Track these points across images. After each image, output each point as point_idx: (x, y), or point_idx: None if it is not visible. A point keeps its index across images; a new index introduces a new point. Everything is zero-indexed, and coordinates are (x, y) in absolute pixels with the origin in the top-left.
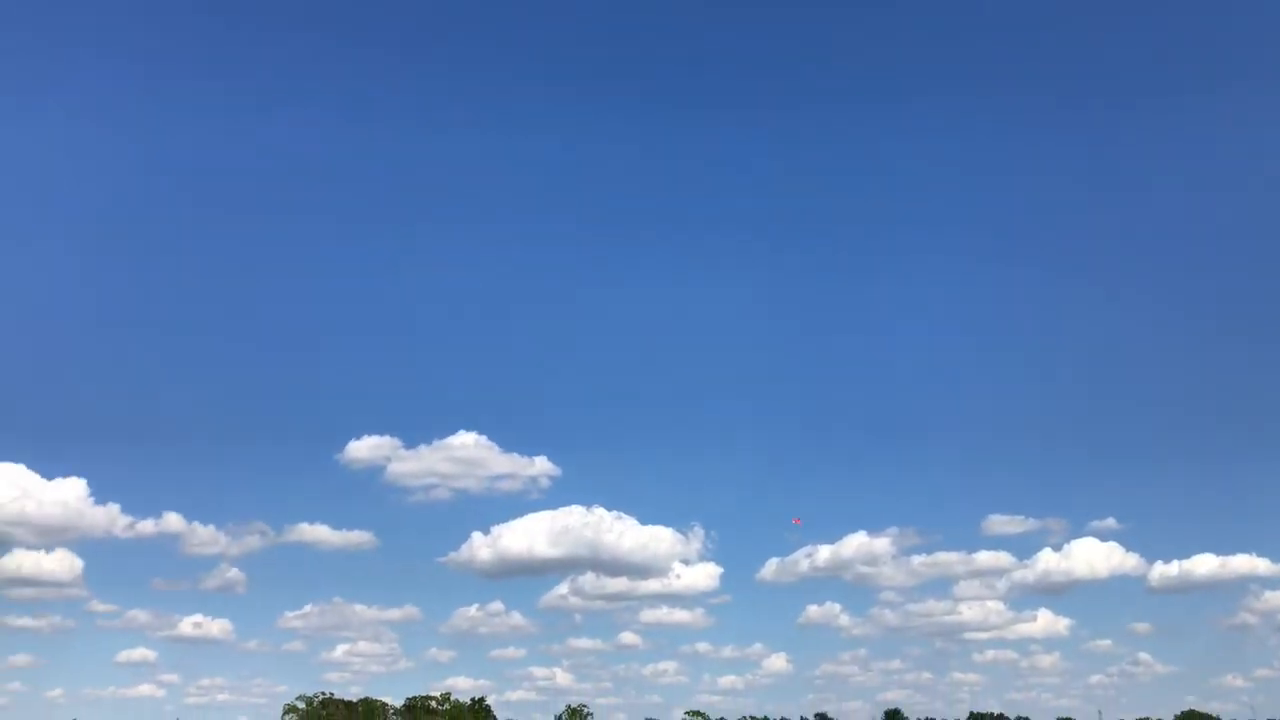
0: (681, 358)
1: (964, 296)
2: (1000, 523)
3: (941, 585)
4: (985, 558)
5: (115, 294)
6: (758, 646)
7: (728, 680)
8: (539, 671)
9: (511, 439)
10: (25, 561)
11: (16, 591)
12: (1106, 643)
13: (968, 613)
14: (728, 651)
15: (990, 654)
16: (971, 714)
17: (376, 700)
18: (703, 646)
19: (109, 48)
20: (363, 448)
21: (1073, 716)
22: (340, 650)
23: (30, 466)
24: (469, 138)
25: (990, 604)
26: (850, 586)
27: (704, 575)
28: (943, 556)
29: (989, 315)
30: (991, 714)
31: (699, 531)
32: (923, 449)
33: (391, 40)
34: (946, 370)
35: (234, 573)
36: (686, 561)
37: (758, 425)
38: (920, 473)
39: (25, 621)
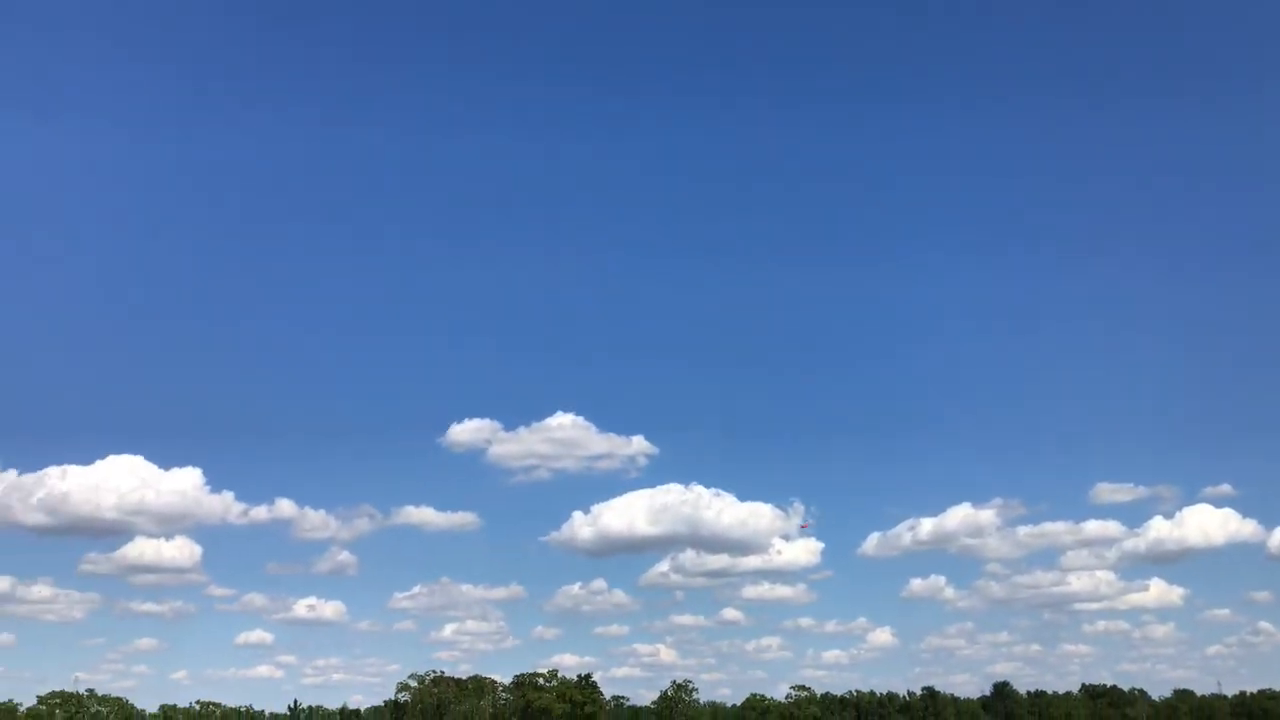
0: (774, 334)
1: (1062, 271)
2: (1109, 491)
3: (1048, 556)
4: (1094, 527)
5: (223, 293)
6: (861, 621)
7: (832, 655)
8: (643, 648)
9: (608, 419)
10: (147, 549)
11: (140, 578)
12: (1224, 612)
13: (1077, 583)
14: (831, 626)
15: (1101, 625)
16: (1083, 686)
17: (486, 678)
18: (806, 622)
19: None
20: (464, 431)
21: (1190, 688)
22: (449, 629)
23: (148, 458)
24: (558, 139)
25: (1100, 574)
26: (954, 559)
27: (805, 551)
28: (1049, 527)
29: (1090, 286)
30: (1104, 686)
31: (799, 507)
32: (1027, 418)
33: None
34: (1050, 337)
35: (345, 556)
36: (787, 537)
37: (855, 399)
38: (1025, 442)
39: (149, 607)
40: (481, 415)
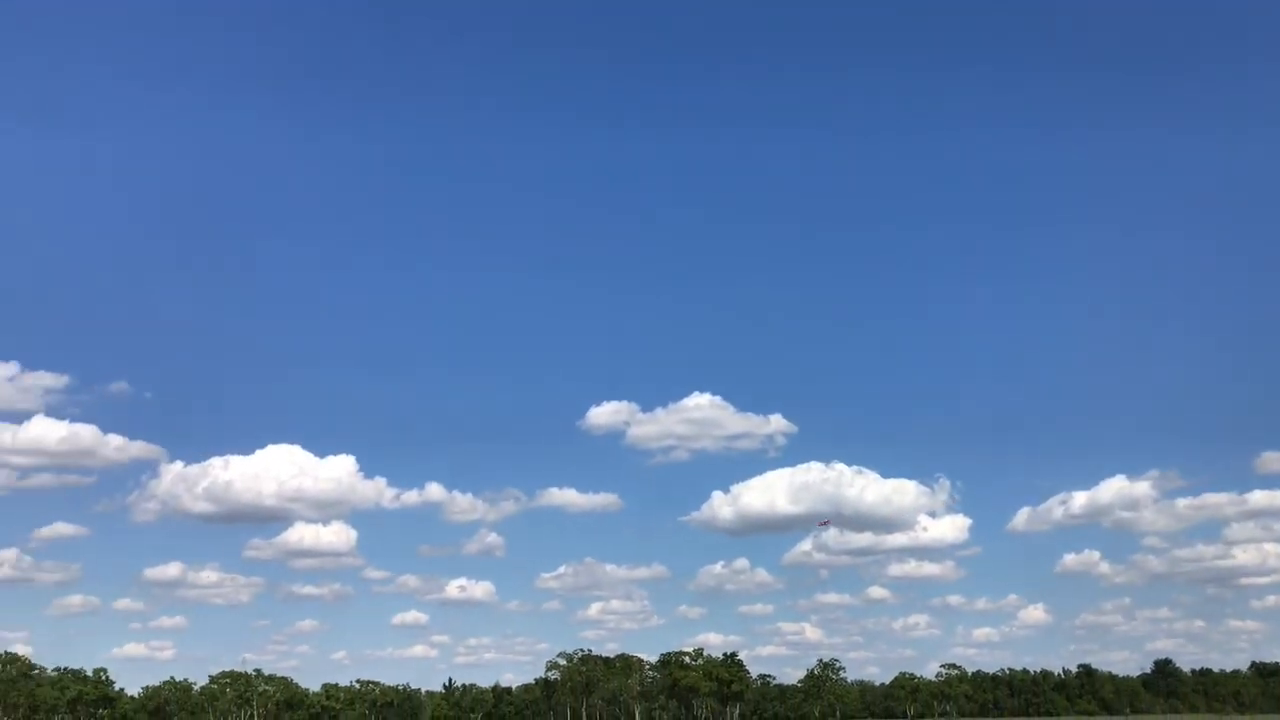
0: (912, 305)
1: (1221, 231)
2: (1276, 460)
3: (1211, 528)
4: (1260, 497)
5: (370, 291)
6: (1012, 598)
7: (982, 633)
8: (788, 627)
9: (745, 398)
10: (306, 534)
11: (300, 562)
12: None
13: (1243, 556)
14: (981, 604)
15: (1271, 600)
16: (1253, 664)
17: (633, 656)
18: (954, 599)
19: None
20: (602, 414)
21: None
22: (595, 609)
23: (305, 447)
24: (677, 129)
25: (1269, 546)
26: (1109, 533)
27: (952, 527)
28: (1211, 498)
29: (1252, 245)
30: (1277, 664)
31: (944, 483)
32: (1183, 383)
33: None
34: (1207, 299)
35: (493, 538)
36: (933, 514)
37: (999, 370)
38: (1181, 410)
39: (309, 590)
40: (619, 398)
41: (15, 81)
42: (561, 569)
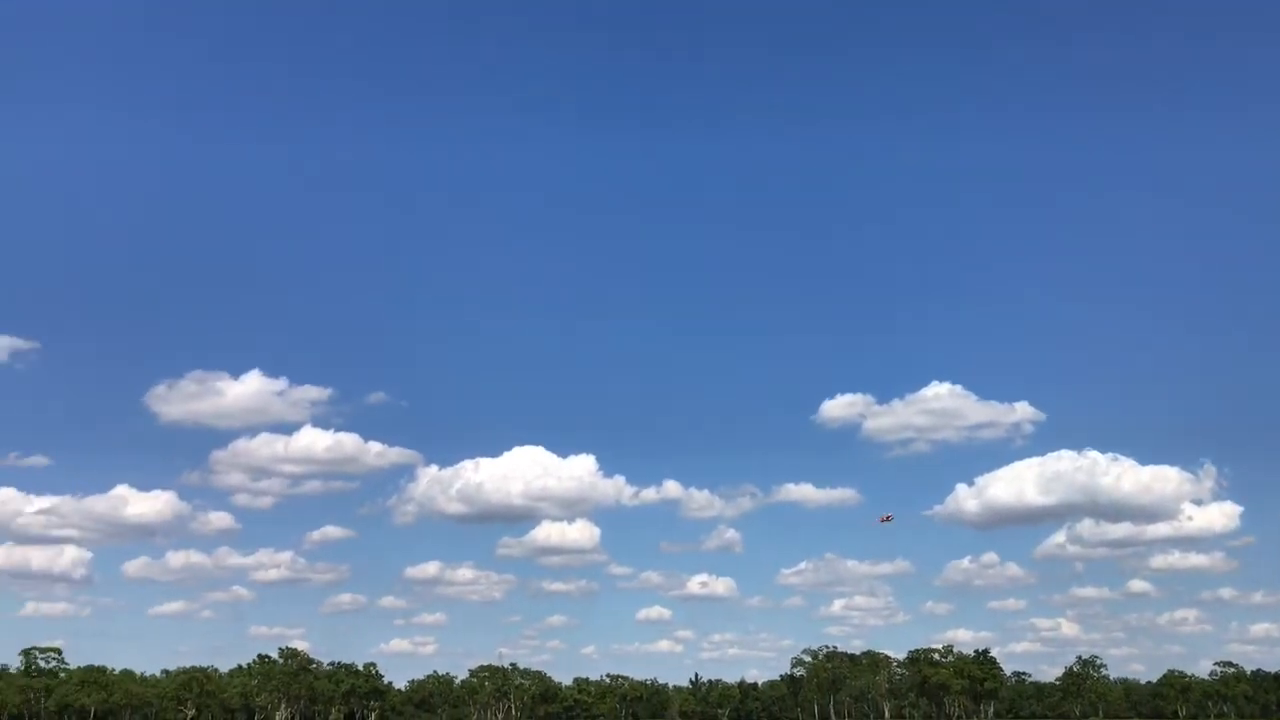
0: (1164, 275)
1: None
2: None
3: None
4: None
5: (608, 297)
6: None
7: (1261, 628)
8: (1042, 623)
9: (987, 386)
10: (552, 532)
11: (547, 559)
12: None
13: None
14: (1258, 597)
15: None
16: None
17: (879, 653)
18: (1227, 593)
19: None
20: (836, 406)
21: None
22: (838, 605)
23: (548, 448)
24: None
25: None
26: None
27: (1220, 515)
28: None
29: None
30: None
31: (1210, 469)
32: None
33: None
34: None
35: (731, 534)
36: (1198, 502)
37: (1261, 340)
38: None
39: (557, 586)
40: (853, 390)
41: (269, 101)
42: (802, 565)
